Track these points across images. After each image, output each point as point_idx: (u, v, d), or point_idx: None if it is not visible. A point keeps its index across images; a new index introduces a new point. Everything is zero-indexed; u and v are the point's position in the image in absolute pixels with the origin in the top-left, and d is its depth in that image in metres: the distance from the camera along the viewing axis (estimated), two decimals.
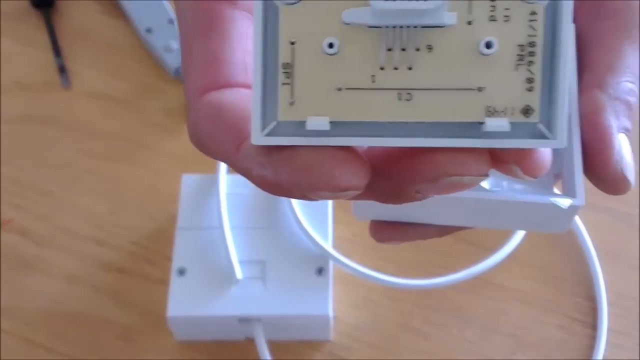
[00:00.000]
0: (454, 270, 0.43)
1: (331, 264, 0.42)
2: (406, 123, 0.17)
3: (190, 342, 0.43)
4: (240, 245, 0.42)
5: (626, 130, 0.24)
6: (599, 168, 0.23)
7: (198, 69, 0.20)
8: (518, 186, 0.25)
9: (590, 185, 0.24)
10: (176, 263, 0.41)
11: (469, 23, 0.17)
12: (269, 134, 0.17)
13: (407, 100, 0.17)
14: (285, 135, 0.17)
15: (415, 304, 0.43)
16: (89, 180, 0.48)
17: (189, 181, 0.44)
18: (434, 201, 0.20)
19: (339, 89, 0.17)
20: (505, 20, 0.17)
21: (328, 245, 0.42)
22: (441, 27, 0.17)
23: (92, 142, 0.50)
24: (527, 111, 0.17)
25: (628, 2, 0.25)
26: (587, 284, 0.44)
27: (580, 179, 0.24)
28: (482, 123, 0.17)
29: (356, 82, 0.17)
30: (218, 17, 0.20)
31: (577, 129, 0.24)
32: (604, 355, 0.42)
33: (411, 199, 0.19)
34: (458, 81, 0.17)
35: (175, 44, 0.52)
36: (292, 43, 0.17)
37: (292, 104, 0.17)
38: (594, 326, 0.43)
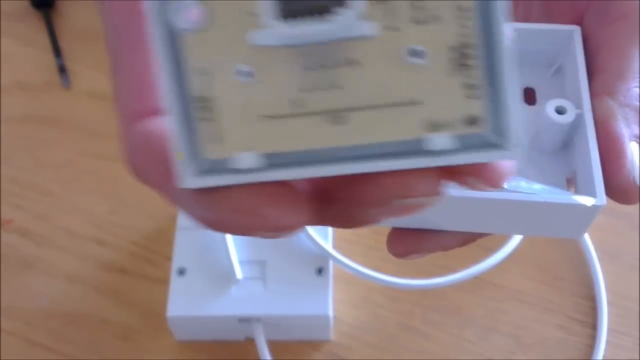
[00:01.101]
0: (454, 270, 0.43)
1: (331, 264, 0.42)
2: (341, 147, 0.16)
3: (190, 342, 0.43)
4: (240, 245, 0.42)
5: (637, 138, 0.24)
6: (611, 177, 0.23)
7: (129, 91, 0.19)
8: (537, 187, 0.25)
9: None
10: (176, 263, 0.41)
11: (393, 29, 0.15)
12: (196, 176, 0.16)
13: (339, 122, 0.15)
14: (212, 175, 0.16)
15: (415, 304, 0.43)
16: (89, 180, 0.48)
17: None
18: (448, 205, 0.19)
19: (263, 118, 0.16)
20: (434, 21, 0.15)
21: (328, 245, 0.42)
22: (363, 37, 0.15)
23: (92, 142, 0.50)
24: (472, 121, 0.15)
25: (635, 3, 0.25)
26: (587, 284, 0.44)
27: (599, 179, 0.24)
28: (423, 140, 0.15)
29: (279, 109, 0.16)
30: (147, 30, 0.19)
31: (592, 129, 0.24)
32: (604, 355, 0.42)
33: (366, 223, 0.18)
34: (391, 96, 0.15)
35: None
36: (204, 74, 0.15)
37: (215, 140, 0.16)
38: (594, 326, 0.43)
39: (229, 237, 0.42)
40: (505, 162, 0.16)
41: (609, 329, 0.43)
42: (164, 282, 0.42)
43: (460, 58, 0.15)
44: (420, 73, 0.15)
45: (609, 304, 0.43)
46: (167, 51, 0.15)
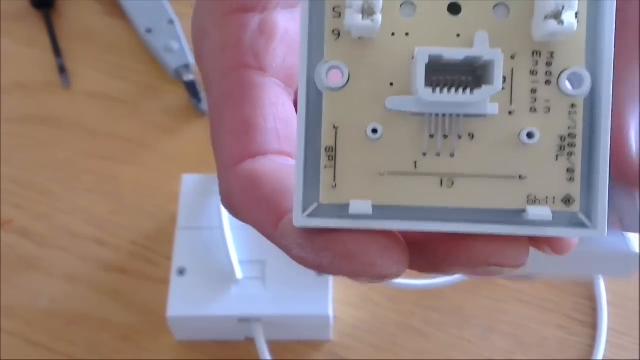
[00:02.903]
0: None
1: None
2: (448, 208, 0.18)
3: (190, 342, 0.43)
4: (240, 245, 0.42)
5: None
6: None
7: (230, 137, 0.19)
8: None
9: None
10: (176, 263, 0.41)
11: (510, 113, 0.17)
12: (310, 215, 0.17)
13: (449, 186, 0.18)
14: (326, 217, 0.17)
15: (415, 304, 0.43)
16: (89, 180, 0.48)
17: (189, 181, 0.44)
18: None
19: (382, 174, 0.17)
20: (546, 112, 0.17)
21: None
22: (483, 116, 0.17)
23: (92, 142, 0.50)
24: (567, 200, 0.18)
25: (635, 9, 0.24)
26: (587, 284, 0.44)
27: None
28: (523, 211, 0.17)
29: (398, 167, 0.17)
30: (248, 84, 0.20)
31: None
32: (604, 355, 0.42)
33: (445, 274, 0.19)
34: (500, 169, 0.17)
35: (175, 44, 0.52)
36: (335, 127, 0.17)
37: (334, 187, 0.17)
38: (594, 326, 0.43)
39: (229, 237, 0.42)
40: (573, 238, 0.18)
41: (609, 329, 0.43)
42: (164, 282, 0.42)
43: (566, 146, 0.17)
44: (530, 154, 0.17)
45: (609, 304, 0.43)
46: (308, 104, 0.17)
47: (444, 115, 0.17)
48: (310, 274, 0.41)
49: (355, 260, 0.17)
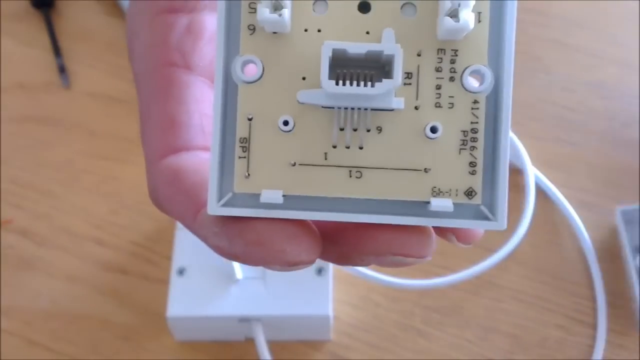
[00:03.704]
0: (454, 270, 0.43)
1: (331, 264, 0.42)
2: (356, 199, 0.18)
3: (190, 342, 0.43)
4: None
5: None
6: None
7: (156, 132, 0.20)
8: None
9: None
10: (176, 263, 0.41)
11: (416, 108, 0.18)
12: (224, 205, 0.18)
13: (357, 177, 0.18)
14: (239, 206, 0.18)
15: (415, 304, 0.43)
16: (89, 180, 0.48)
17: None
18: None
19: (293, 165, 0.18)
20: (450, 107, 0.18)
21: None
22: (390, 110, 0.18)
23: (92, 142, 0.50)
24: (470, 193, 0.18)
25: None
26: (587, 284, 0.44)
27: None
28: (427, 202, 0.18)
29: (309, 159, 0.18)
30: (175, 82, 0.20)
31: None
32: (603, 355, 0.42)
33: (359, 265, 0.20)
34: (406, 162, 0.18)
35: None
36: (250, 119, 0.18)
37: (247, 177, 0.18)
38: (594, 326, 0.43)
39: None
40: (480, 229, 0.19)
41: (609, 329, 0.43)
42: (164, 282, 0.42)
43: (468, 140, 0.18)
44: (434, 147, 0.18)
45: (609, 304, 0.43)
46: (223, 98, 0.18)
47: (352, 109, 0.18)
48: (311, 274, 0.41)
49: (265, 247, 0.18)
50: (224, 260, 0.43)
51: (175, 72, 0.20)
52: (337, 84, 0.17)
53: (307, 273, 0.41)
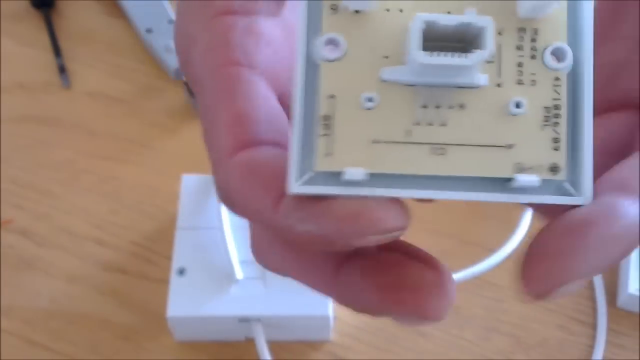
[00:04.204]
0: (454, 270, 0.43)
1: None
2: (439, 177, 0.18)
3: (190, 342, 0.43)
4: (240, 245, 0.42)
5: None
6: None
7: (225, 130, 0.20)
8: None
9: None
10: (176, 263, 0.41)
11: (499, 85, 0.18)
12: (305, 183, 0.18)
13: (440, 154, 0.18)
14: (321, 185, 0.18)
15: None
16: (89, 180, 0.48)
17: (189, 181, 0.44)
18: None
19: (375, 142, 0.18)
20: (532, 84, 0.18)
21: None
22: (473, 87, 0.18)
23: (92, 142, 0.50)
24: (554, 169, 0.18)
25: None
26: (587, 284, 0.44)
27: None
28: (511, 179, 0.18)
29: (392, 136, 0.18)
30: (240, 80, 0.20)
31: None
32: (604, 355, 0.42)
33: (378, 317, 0.20)
34: (488, 138, 0.18)
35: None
36: (332, 97, 0.18)
37: (329, 155, 0.18)
38: (594, 326, 0.43)
39: (229, 237, 0.42)
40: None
41: (609, 329, 0.43)
42: (164, 282, 0.42)
43: (551, 117, 0.18)
44: (517, 124, 0.18)
45: (609, 304, 0.43)
46: (305, 76, 0.18)
47: (436, 86, 0.18)
48: None
49: (360, 219, 0.17)
50: (224, 260, 0.43)
51: (239, 70, 0.20)
52: (428, 55, 0.17)
53: None
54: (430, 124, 0.18)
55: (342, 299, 0.20)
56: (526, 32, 0.18)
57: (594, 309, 0.43)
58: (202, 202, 0.43)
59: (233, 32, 0.20)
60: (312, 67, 0.18)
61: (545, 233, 0.18)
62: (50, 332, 0.43)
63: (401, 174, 0.18)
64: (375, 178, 0.18)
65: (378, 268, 0.20)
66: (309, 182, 0.18)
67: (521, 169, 0.18)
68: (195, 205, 0.43)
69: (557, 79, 0.18)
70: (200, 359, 0.42)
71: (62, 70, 0.53)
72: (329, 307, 0.40)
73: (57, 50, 0.54)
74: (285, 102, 0.20)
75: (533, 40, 0.18)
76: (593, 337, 0.43)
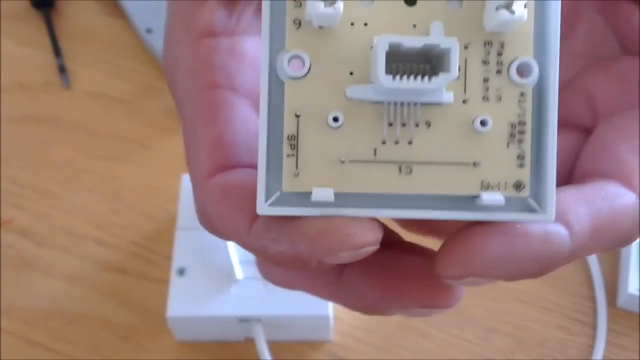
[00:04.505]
0: None
1: None
2: (406, 195, 0.18)
3: (190, 342, 0.43)
4: None
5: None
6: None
7: (203, 152, 0.20)
8: None
9: None
10: (176, 263, 0.41)
11: (464, 102, 0.18)
12: (272, 204, 0.18)
13: (407, 173, 0.18)
14: (290, 206, 0.18)
15: None
16: (89, 180, 0.48)
17: (189, 181, 0.44)
18: None
19: (342, 161, 0.18)
20: (497, 100, 0.18)
21: None
22: (439, 104, 0.18)
23: (92, 142, 0.50)
24: (518, 186, 0.18)
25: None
26: (587, 284, 0.44)
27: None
28: (477, 197, 0.18)
29: (359, 155, 0.18)
30: (221, 102, 0.20)
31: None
32: (603, 355, 0.42)
33: (384, 315, 0.20)
34: (455, 156, 0.18)
35: None
36: (297, 116, 0.18)
37: (296, 175, 0.18)
38: (594, 326, 0.43)
39: None
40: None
41: (609, 329, 0.43)
42: (164, 282, 0.42)
43: (516, 133, 0.18)
44: (483, 141, 0.18)
45: (609, 304, 0.43)
46: (269, 94, 0.18)
47: (402, 104, 0.18)
48: None
49: (329, 236, 0.17)
50: (224, 260, 0.43)
51: (220, 93, 0.20)
52: (393, 78, 0.17)
53: None
54: (397, 142, 0.18)
55: (349, 303, 0.21)
56: (492, 45, 0.18)
57: (594, 309, 0.43)
58: None
59: (215, 55, 0.21)
60: (276, 84, 0.18)
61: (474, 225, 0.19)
62: (50, 332, 0.43)
63: (369, 193, 0.18)
64: (343, 198, 0.18)
65: (378, 266, 0.20)
66: (277, 203, 0.18)
67: (487, 187, 0.18)
68: None
69: (522, 94, 0.18)
70: (200, 359, 0.42)
71: (62, 70, 0.53)
72: (329, 307, 0.40)
73: (57, 50, 0.54)
74: None
75: (499, 54, 0.18)
76: (593, 337, 0.43)
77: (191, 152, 0.21)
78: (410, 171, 0.18)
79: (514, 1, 0.17)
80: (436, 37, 0.18)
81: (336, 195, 0.18)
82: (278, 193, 0.18)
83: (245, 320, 0.40)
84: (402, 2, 0.18)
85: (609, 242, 0.19)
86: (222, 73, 0.20)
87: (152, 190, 0.48)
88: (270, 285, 0.40)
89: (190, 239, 0.42)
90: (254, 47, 0.21)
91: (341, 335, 0.43)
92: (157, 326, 0.42)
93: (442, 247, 0.19)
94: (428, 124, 0.18)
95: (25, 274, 0.45)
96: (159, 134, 0.50)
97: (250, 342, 0.42)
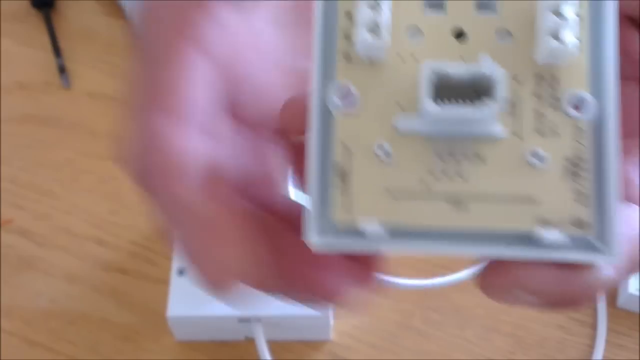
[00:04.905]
0: (454, 270, 0.43)
1: None
2: (459, 230, 0.18)
3: (190, 342, 0.43)
4: None
5: None
6: None
7: (155, 90, 0.20)
8: None
9: None
10: (176, 263, 0.41)
11: (518, 135, 0.18)
12: (323, 235, 0.18)
13: (459, 207, 0.18)
14: (340, 238, 0.18)
15: (415, 304, 0.43)
16: (89, 180, 0.48)
17: None
18: None
19: (392, 194, 0.18)
20: (553, 134, 0.18)
21: None
22: (491, 137, 0.18)
23: (92, 142, 0.50)
24: (578, 224, 0.17)
25: None
26: None
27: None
28: (533, 233, 0.17)
29: (409, 188, 0.18)
30: (188, 57, 0.20)
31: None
32: (603, 355, 0.42)
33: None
34: (509, 190, 0.17)
35: None
36: (347, 147, 0.18)
37: (346, 207, 0.18)
38: (594, 326, 0.43)
39: None
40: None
41: (609, 329, 0.43)
42: (164, 282, 0.42)
43: (573, 168, 0.17)
44: (538, 175, 0.18)
45: (609, 304, 0.43)
46: (320, 126, 0.18)
47: (453, 137, 0.18)
48: None
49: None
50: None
51: (191, 52, 0.20)
52: (439, 105, 0.17)
53: None
54: (448, 176, 0.18)
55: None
56: (545, 79, 0.18)
57: (594, 309, 0.43)
58: None
59: (195, 13, 0.20)
60: (326, 116, 0.18)
61: None
62: (50, 332, 0.43)
63: (419, 227, 0.18)
64: (393, 232, 0.17)
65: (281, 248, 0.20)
66: (328, 234, 0.18)
67: (544, 223, 0.17)
68: None
69: (578, 128, 0.18)
70: (200, 359, 0.42)
71: (62, 70, 0.53)
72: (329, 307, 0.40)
73: (57, 50, 0.54)
74: (235, 93, 0.20)
75: (553, 87, 0.18)
76: (593, 337, 0.43)
77: (140, 84, 0.20)
78: (463, 205, 0.18)
79: (563, 29, 0.17)
80: (481, 64, 0.17)
81: (386, 228, 0.17)
82: (328, 226, 0.18)
83: (245, 320, 0.40)
84: (450, 35, 0.18)
85: (636, 268, 0.19)
86: (197, 31, 0.20)
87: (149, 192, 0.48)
88: None
89: None
90: (235, 19, 0.21)
91: (341, 335, 0.43)
92: (157, 326, 0.42)
93: (488, 268, 0.18)
94: (480, 157, 0.18)
95: (25, 274, 0.45)
96: None
97: (250, 342, 0.42)
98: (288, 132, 0.20)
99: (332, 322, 0.41)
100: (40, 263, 0.45)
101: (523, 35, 0.18)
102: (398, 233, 0.17)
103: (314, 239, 0.17)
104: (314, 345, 0.42)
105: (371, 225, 0.17)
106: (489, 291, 0.18)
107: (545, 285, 0.17)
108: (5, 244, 0.46)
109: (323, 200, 0.18)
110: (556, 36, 0.17)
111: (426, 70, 0.17)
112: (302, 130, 0.19)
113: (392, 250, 0.17)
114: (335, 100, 0.18)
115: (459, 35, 0.18)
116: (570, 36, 0.17)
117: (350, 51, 0.18)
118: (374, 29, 0.17)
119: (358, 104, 0.18)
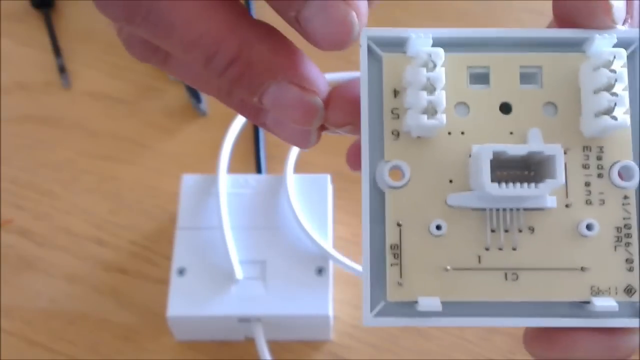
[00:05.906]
0: None
1: (331, 264, 0.42)
2: (514, 302, 0.18)
3: (190, 342, 0.43)
4: (240, 245, 0.42)
5: None
6: None
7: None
8: None
9: None
10: (176, 263, 0.41)
11: (568, 206, 0.18)
12: (378, 314, 0.18)
13: (514, 280, 0.18)
14: (395, 316, 0.18)
15: None
16: (89, 180, 0.48)
17: (189, 181, 0.44)
18: None
19: (447, 269, 0.18)
20: (601, 204, 0.18)
21: (328, 245, 0.42)
22: (542, 209, 0.18)
23: (92, 142, 0.50)
24: (629, 291, 0.18)
25: None
26: None
27: None
28: (587, 302, 0.18)
29: (463, 263, 0.18)
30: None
31: None
32: None
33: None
34: (562, 261, 0.18)
35: None
36: (399, 225, 0.18)
37: (400, 284, 0.18)
38: None
39: (229, 237, 0.42)
40: None
41: None
42: (164, 282, 0.42)
43: (623, 236, 0.18)
44: (590, 245, 0.18)
45: None
46: (371, 204, 0.18)
47: (504, 210, 0.18)
48: (311, 274, 0.41)
49: None
50: (224, 260, 0.43)
51: None
52: (499, 186, 0.17)
53: (307, 273, 0.41)
54: (501, 249, 0.18)
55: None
56: (591, 150, 0.18)
57: None
58: (202, 202, 0.43)
59: None
60: (376, 194, 0.18)
61: None
62: (50, 332, 0.43)
63: (475, 301, 0.18)
64: (449, 306, 0.18)
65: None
66: (383, 313, 0.18)
67: (597, 292, 0.18)
68: (195, 205, 0.43)
69: (625, 197, 0.18)
70: (200, 359, 0.42)
71: (62, 70, 0.53)
72: (329, 307, 0.40)
73: (57, 50, 0.54)
74: None
75: (599, 158, 0.18)
76: None
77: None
78: (517, 278, 0.18)
79: (616, 107, 0.17)
80: (539, 144, 0.18)
81: (443, 303, 0.18)
82: (383, 303, 0.18)
83: (245, 320, 0.40)
84: (498, 110, 0.18)
85: None
86: None
87: (152, 190, 0.48)
88: (270, 285, 0.41)
89: (190, 239, 0.42)
90: None
91: (341, 335, 0.43)
92: (157, 326, 0.42)
93: (536, 333, 0.18)
94: (532, 230, 0.18)
95: (25, 274, 0.45)
96: (159, 134, 0.50)
97: (250, 342, 0.42)
98: (336, 126, 0.20)
99: (332, 322, 0.41)
100: (40, 263, 0.45)
101: (568, 107, 0.18)
102: (452, 308, 0.18)
103: (369, 321, 0.18)
104: (314, 345, 0.42)
105: (427, 302, 0.17)
106: (535, 356, 0.19)
107: (593, 352, 0.18)
108: (5, 244, 0.46)
109: (377, 278, 0.18)
110: (611, 114, 0.17)
111: (486, 153, 0.17)
112: (352, 122, 0.19)
113: (447, 325, 0.18)
114: (386, 179, 0.18)
115: (506, 109, 0.18)
116: (622, 113, 0.17)
117: (398, 128, 0.18)
118: (429, 110, 0.17)
119: (409, 181, 0.18)
